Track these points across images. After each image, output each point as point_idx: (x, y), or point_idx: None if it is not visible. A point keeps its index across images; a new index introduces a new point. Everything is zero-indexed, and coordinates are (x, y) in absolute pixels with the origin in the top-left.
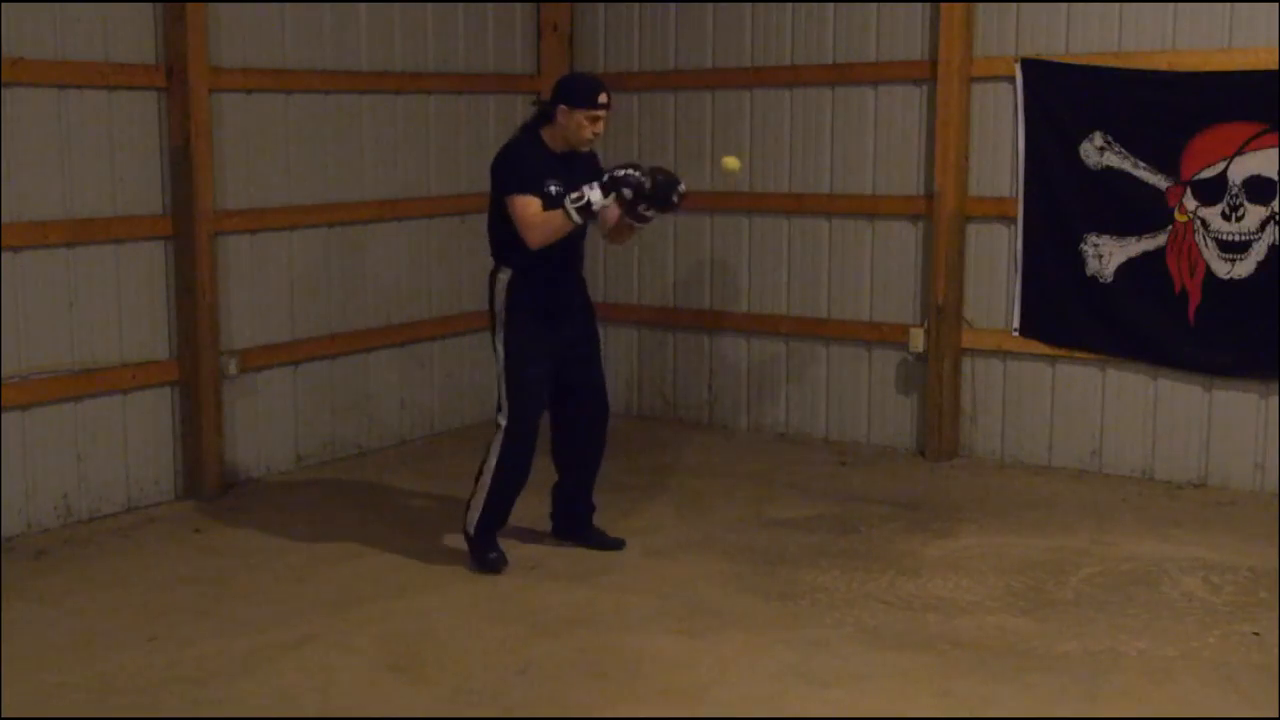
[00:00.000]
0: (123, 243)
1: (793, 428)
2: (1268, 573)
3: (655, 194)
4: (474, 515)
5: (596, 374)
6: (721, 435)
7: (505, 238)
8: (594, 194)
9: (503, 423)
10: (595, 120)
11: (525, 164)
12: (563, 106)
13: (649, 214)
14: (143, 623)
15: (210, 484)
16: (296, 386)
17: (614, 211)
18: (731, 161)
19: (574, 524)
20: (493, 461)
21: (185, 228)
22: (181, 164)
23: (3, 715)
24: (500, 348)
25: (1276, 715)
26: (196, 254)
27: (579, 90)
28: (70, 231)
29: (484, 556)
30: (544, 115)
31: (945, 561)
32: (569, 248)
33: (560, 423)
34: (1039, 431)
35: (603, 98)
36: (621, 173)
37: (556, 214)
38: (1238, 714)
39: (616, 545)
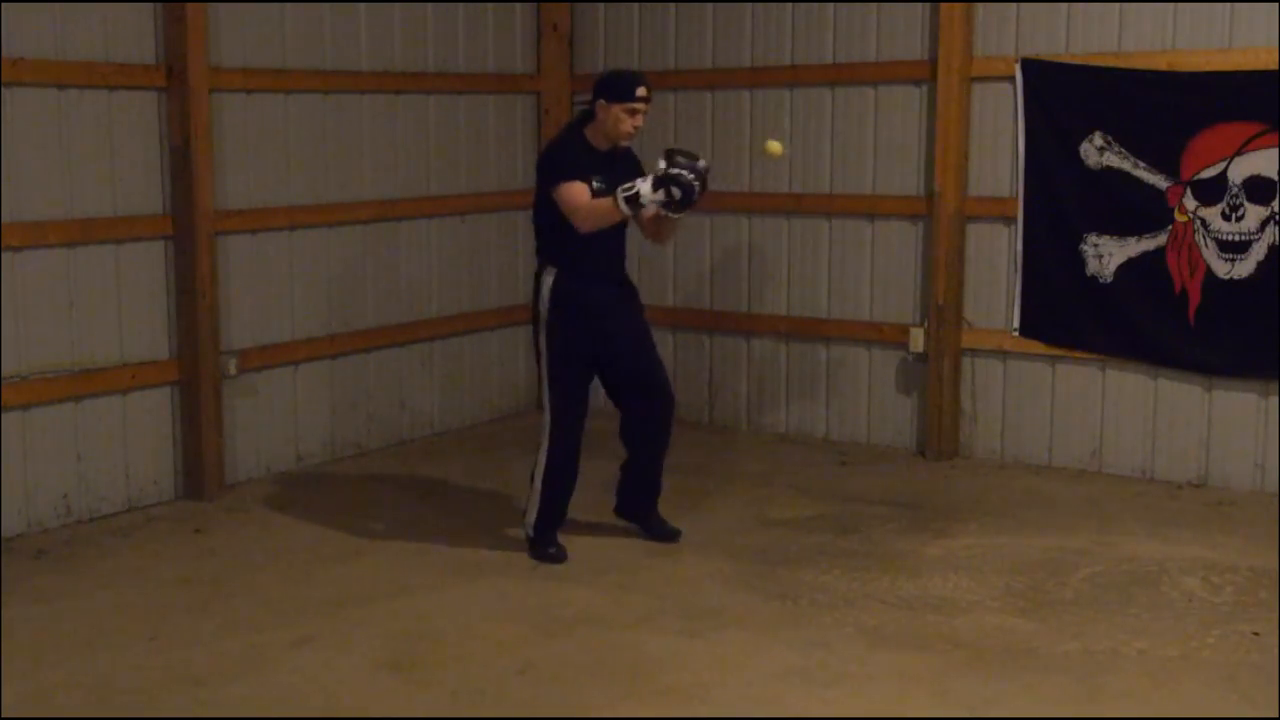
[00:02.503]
0: (123, 243)
1: (793, 428)
2: (1268, 573)
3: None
4: (531, 516)
5: (653, 368)
6: (721, 435)
7: (550, 236)
8: (644, 186)
9: (547, 423)
10: (634, 114)
11: (570, 158)
12: (601, 101)
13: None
14: (143, 623)
15: (210, 484)
16: (296, 386)
17: (650, 210)
18: (775, 146)
19: (637, 505)
20: (541, 463)
21: (185, 228)
22: (181, 164)
23: (3, 715)
24: (543, 348)
25: (1276, 715)
26: (196, 254)
27: (617, 84)
28: (70, 231)
29: (544, 552)
30: (587, 114)
31: (945, 561)
32: (611, 246)
33: (625, 414)
34: (1039, 431)
35: (641, 91)
36: (675, 171)
37: (607, 200)
38: (1238, 714)
39: (672, 537)
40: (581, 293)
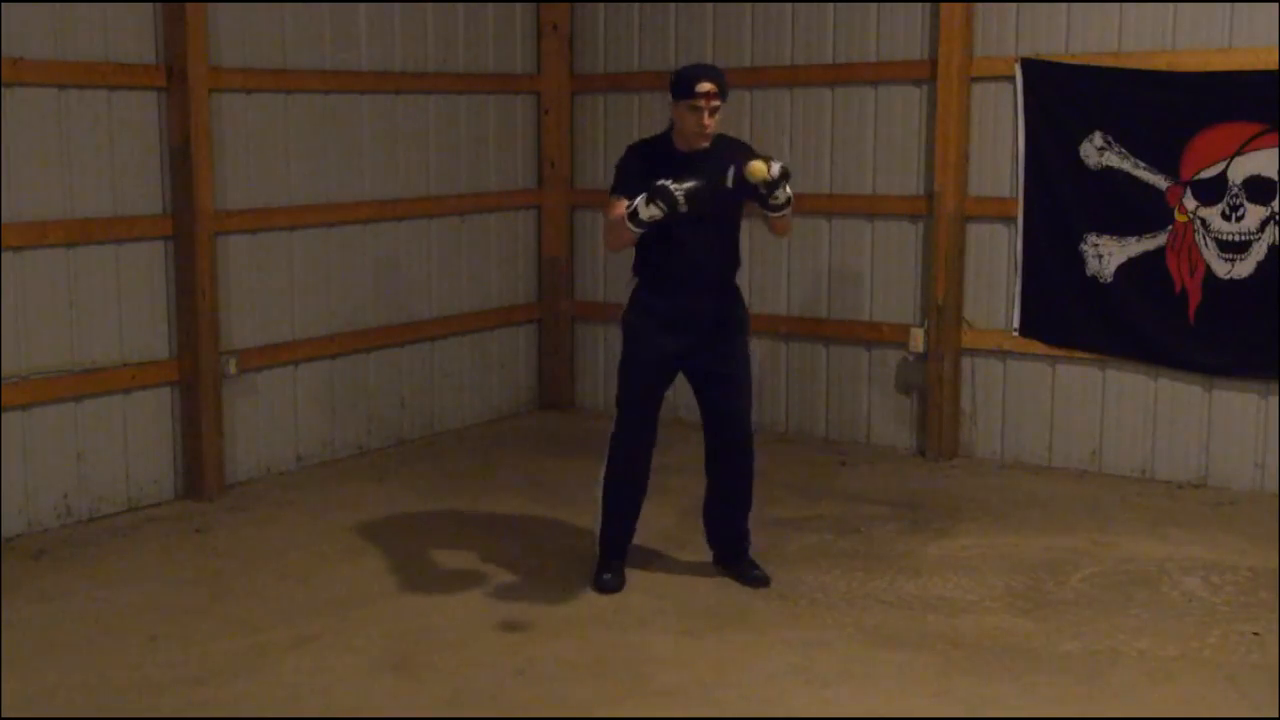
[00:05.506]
0: (123, 243)
1: (793, 428)
2: (1268, 573)
3: (689, 207)
4: (596, 528)
5: (733, 400)
6: None
7: (637, 245)
8: (640, 202)
9: (611, 432)
10: (698, 111)
11: (630, 165)
12: (671, 100)
13: (775, 203)
14: (143, 622)
15: (210, 484)
16: (296, 386)
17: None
18: (760, 168)
19: (725, 552)
20: (603, 472)
21: (185, 228)
22: (181, 164)
23: (3, 715)
24: (621, 355)
25: (1276, 715)
26: (196, 254)
27: (679, 81)
28: (70, 231)
29: (598, 576)
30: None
31: (945, 561)
32: (699, 259)
33: (706, 441)
34: (1039, 431)
35: (703, 86)
36: (661, 183)
37: (621, 218)
38: (1238, 714)
39: (761, 583)
40: (655, 304)
